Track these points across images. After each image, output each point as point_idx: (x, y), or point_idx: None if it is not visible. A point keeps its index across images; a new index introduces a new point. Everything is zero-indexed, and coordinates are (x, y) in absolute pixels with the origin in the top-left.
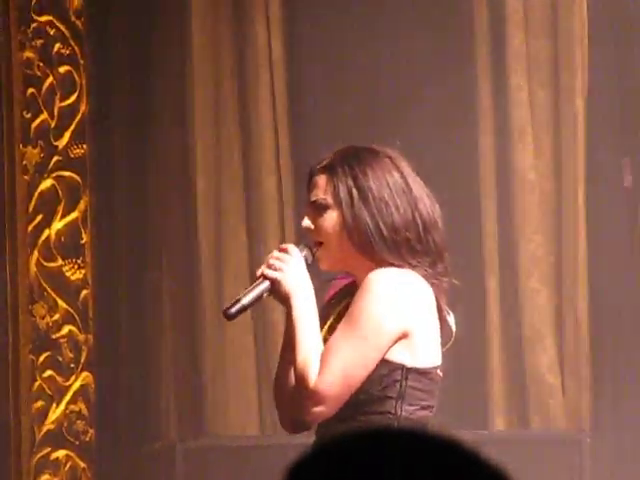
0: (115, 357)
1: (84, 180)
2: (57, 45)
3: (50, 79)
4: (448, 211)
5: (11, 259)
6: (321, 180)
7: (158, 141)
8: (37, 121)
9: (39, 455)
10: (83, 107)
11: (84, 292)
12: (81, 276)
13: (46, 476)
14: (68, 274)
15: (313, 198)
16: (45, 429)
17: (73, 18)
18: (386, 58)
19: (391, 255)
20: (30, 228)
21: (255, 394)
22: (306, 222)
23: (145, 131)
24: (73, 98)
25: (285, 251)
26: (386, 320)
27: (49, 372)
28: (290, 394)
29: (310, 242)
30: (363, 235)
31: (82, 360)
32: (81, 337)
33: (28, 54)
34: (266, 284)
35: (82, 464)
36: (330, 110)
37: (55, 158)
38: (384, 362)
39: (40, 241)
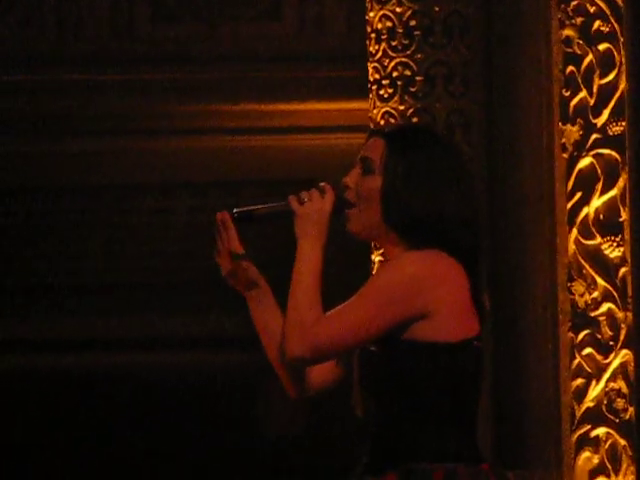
0: None
1: (622, 158)
2: (597, 22)
3: (589, 57)
4: None
5: (550, 237)
6: (377, 143)
7: None
8: (576, 99)
9: (579, 432)
10: (622, 85)
11: (623, 270)
12: (620, 254)
13: (587, 453)
14: (607, 252)
15: (364, 154)
16: (585, 407)
17: None
18: None
19: (419, 240)
20: (569, 206)
21: None
22: (348, 178)
23: None
24: (612, 76)
25: (321, 190)
26: (400, 295)
27: (588, 350)
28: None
29: (347, 198)
30: (396, 212)
31: (621, 338)
32: (620, 315)
33: (568, 32)
34: (285, 209)
35: (622, 442)
36: None
37: (594, 136)
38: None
39: (579, 219)
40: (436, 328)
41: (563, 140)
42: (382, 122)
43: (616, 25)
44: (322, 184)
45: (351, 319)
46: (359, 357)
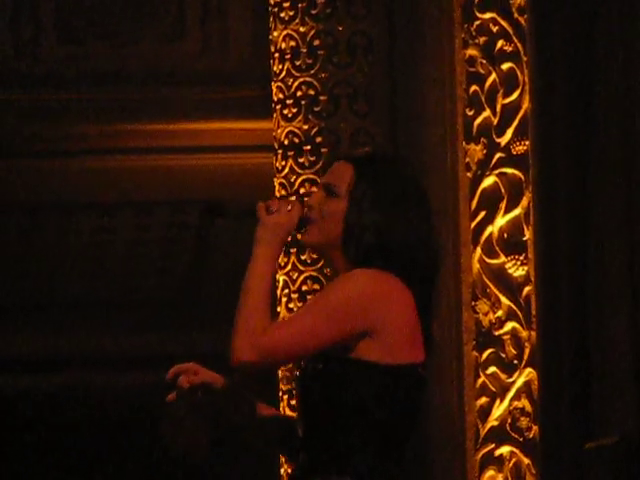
0: (558, 354)
1: (526, 177)
2: (500, 42)
3: (493, 76)
4: None
5: (454, 256)
6: (345, 167)
7: (599, 138)
8: (480, 118)
9: (483, 451)
10: (525, 104)
11: (527, 289)
12: (524, 273)
13: (491, 472)
14: (511, 271)
15: (328, 181)
16: (489, 425)
17: (516, 15)
18: None
19: (370, 260)
20: (473, 225)
21: None
22: (311, 199)
23: (586, 128)
24: (516, 95)
25: (287, 204)
26: (351, 308)
27: (492, 369)
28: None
29: (309, 216)
30: (356, 235)
31: (525, 357)
32: (524, 334)
33: (471, 51)
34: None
35: (526, 460)
36: None
37: (498, 155)
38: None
39: (483, 238)
40: (382, 348)
41: (467, 159)
42: (286, 142)
43: (519, 44)
44: (292, 198)
45: (299, 328)
46: (303, 375)
